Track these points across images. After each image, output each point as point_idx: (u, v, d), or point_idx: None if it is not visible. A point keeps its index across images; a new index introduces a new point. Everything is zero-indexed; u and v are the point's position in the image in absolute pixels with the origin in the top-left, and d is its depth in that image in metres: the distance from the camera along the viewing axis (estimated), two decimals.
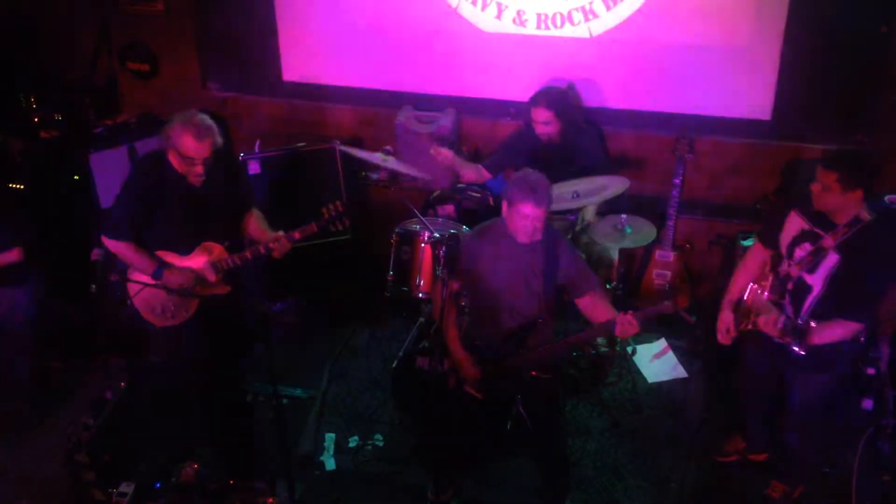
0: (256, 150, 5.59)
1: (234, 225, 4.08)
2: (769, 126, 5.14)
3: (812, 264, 3.43)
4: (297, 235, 3.94)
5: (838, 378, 3.75)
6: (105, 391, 4.25)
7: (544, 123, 4.67)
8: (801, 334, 3.33)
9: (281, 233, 3.96)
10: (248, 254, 3.93)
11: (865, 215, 3.33)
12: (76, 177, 5.31)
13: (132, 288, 3.85)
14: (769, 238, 3.70)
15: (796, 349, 3.36)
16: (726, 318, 3.68)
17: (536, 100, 4.71)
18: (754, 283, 3.60)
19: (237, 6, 5.82)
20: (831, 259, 3.39)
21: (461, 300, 3.65)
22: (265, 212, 4.04)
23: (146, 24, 6.00)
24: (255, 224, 4.11)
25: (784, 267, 3.54)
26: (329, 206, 3.96)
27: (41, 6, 6.01)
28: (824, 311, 3.45)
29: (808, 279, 3.46)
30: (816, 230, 3.44)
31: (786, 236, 3.58)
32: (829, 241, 3.38)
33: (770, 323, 3.44)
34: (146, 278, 3.79)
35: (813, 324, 3.37)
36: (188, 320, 4.01)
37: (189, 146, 3.68)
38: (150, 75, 6.15)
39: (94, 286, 3.91)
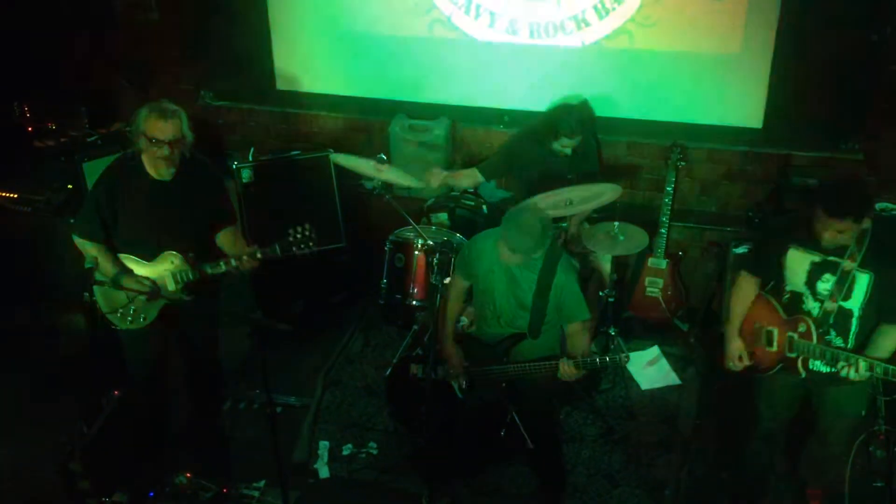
0: (250, 158, 5.60)
1: (202, 236, 4.02)
2: (760, 134, 5.17)
3: (845, 291, 3.37)
4: (258, 255, 3.85)
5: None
6: (100, 399, 4.24)
7: (573, 146, 4.64)
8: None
9: (250, 249, 3.86)
10: (208, 269, 3.89)
11: (867, 223, 3.30)
12: (69, 185, 5.31)
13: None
14: (762, 271, 3.67)
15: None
16: (737, 346, 3.67)
17: (573, 130, 4.55)
18: (789, 331, 3.50)
19: (231, 16, 5.82)
20: (863, 279, 3.35)
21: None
22: (258, 220, 3.97)
23: (141, 34, 6.01)
24: (230, 240, 4.06)
25: (809, 305, 3.46)
26: (296, 227, 3.78)
27: (36, 15, 6.01)
28: (866, 328, 3.42)
29: (847, 305, 3.40)
30: (830, 259, 3.37)
31: (794, 275, 3.49)
32: (851, 264, 3.33)
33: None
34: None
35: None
36: (146, 328, 4.02)
37: (156, 126, 3.69)
38: (145, 84, 6.15)
39: (87, 294, 3.91)
